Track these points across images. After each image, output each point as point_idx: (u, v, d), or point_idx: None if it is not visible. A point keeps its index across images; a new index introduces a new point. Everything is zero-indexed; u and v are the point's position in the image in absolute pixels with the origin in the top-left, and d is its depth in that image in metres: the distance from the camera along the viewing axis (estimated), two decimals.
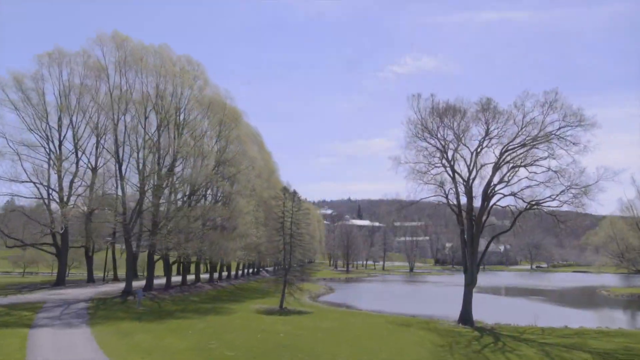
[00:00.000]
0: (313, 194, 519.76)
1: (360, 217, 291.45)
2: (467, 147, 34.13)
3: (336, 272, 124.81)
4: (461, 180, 34.53)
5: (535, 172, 32.38)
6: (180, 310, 31.98)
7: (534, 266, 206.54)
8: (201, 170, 38.21)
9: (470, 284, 33.47)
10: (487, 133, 33.74)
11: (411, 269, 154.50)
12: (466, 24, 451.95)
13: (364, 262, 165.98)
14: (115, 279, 48.89)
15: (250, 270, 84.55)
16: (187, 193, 39.99)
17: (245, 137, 43.14)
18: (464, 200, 36.80)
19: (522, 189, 34.18)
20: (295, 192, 40.69)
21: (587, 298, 70.00)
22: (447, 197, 36.66)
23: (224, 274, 67.23)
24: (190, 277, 55.19)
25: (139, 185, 35.43)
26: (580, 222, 37.66)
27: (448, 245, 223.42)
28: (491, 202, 33.90)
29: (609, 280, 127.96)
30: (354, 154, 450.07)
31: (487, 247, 35.27)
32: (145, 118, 35.53)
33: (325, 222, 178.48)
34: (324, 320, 31.53)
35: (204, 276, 59.31)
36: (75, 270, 60.97)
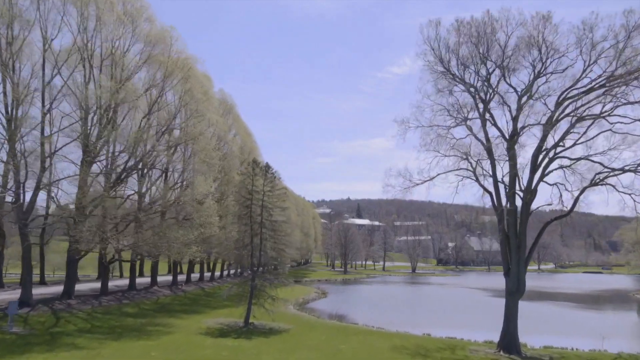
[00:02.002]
0: (312, 193, 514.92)
1: (359, 216, 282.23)
2: (514, 87, 23.55)
3: (333, 273, 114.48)
4: (498, 135, 24.04)
5: (622, 122, 21.65)
6: (84, 330, 21.47)
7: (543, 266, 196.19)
8: (138, 134, 27.65)
9: (515, 293, 22.84)
10: (538, 73, 23.14)
11: (413, 270, 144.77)
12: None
13: (363, 262, 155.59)
14: (42, 282, 38.44)
15: (232, 271, 73.92)
16: (120, 168, 29.42)
17: (202, 96, 32.27)
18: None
19: (580, 158, 23.66)
20: (268, 166, 30.15)
21: (626, 304, 59.34)
22: (474, 171, 26.25)
23: (195, 275, 56.69)
24: (145, 279, 44.83)
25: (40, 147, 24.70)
26: None
27: (451, 245, 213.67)
28: (546, 171, 23.25)
29: (626, 281, 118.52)
30: (353, 154, 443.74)
31: (539, 236, 24.15)
32: (45, 51, 24.74)
33: (323, 220, 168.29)
34: (300, 347, 21.06)
35: (165, 278, 49.02)
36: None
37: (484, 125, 24.35)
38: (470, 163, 26.68)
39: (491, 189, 25.53)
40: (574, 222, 30.86)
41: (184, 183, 33.62)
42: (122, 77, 28.59)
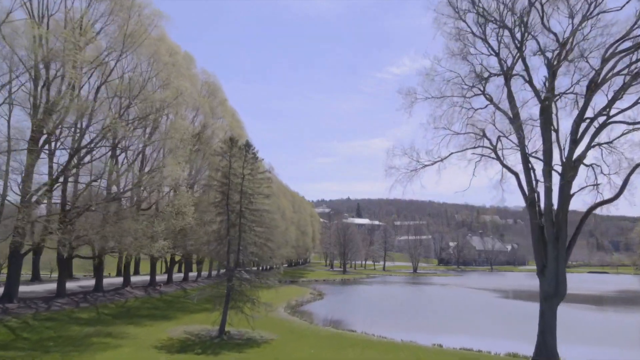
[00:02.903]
0: (312, 193, 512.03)
1: (359, 215, 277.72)
2: (554, 33, 18.67)
3: (332, 273, 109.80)
4: (531, 97, 19.38)
5: None
6: None
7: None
8: (92, 104, 22.87)
9: (553, 296, 18.00)
10: (583, 16, 18.36)
11: (415, 269, 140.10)
12: None
13: (363, 262, 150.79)
14: None
15: (222, 271, 69.00)
16: (76, 146, 24.64)
17: (166, 55, 27.02)
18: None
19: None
20: (248, 145, 25.40)
21: None
22: (494, 149, 21.63)
23: (179, 274, 51.94)
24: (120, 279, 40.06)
25: None
26: None
27: (452, 244, 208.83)
28: (592, 143, 18.45)
29: (632, 281, 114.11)
30: (353, 154, 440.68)
31: (580, 224, 19.30)
32: None
33: (323, 220, 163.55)
34: None
35: (144, 278, 44.23)
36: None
37: (508, 85, 19.63)
38: (489, 140, 22.15)
39: (516, 169, 20.97)
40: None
41: (154, 164, 28.67)
42: (77, 35, 23.79)
